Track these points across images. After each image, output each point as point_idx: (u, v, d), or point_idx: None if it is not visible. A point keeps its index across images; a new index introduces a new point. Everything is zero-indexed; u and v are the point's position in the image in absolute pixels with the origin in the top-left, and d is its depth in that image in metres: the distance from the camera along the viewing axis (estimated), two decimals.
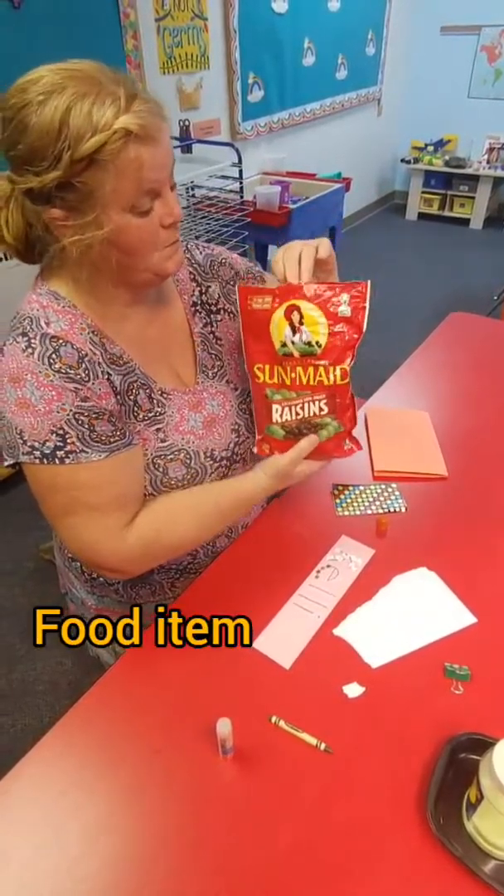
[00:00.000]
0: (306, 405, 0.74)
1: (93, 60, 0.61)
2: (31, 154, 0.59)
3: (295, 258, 0.74)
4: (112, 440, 0.71)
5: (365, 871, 0.57)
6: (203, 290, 0.86)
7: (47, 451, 0.67)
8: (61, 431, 0.67)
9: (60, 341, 0.68)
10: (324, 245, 0.75)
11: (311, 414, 0.74)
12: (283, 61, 3.51)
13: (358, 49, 4.22)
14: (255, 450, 0.82)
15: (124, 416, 0.75)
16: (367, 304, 0.71)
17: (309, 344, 0.71)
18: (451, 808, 0.61)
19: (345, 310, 0.71)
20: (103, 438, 0.70)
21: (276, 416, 0.76)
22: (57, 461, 0.67)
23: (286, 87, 3.61)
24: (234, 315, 0.88)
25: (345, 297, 0.71)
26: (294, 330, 0.71)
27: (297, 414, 0.75)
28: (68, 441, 0.67)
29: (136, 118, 0.58)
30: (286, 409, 0.75)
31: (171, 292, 0.84)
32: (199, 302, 0.86)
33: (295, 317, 0.71)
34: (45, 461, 0.67)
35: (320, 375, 0.72)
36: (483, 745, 0.62)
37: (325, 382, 0.73)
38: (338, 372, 0.72)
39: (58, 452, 0.67)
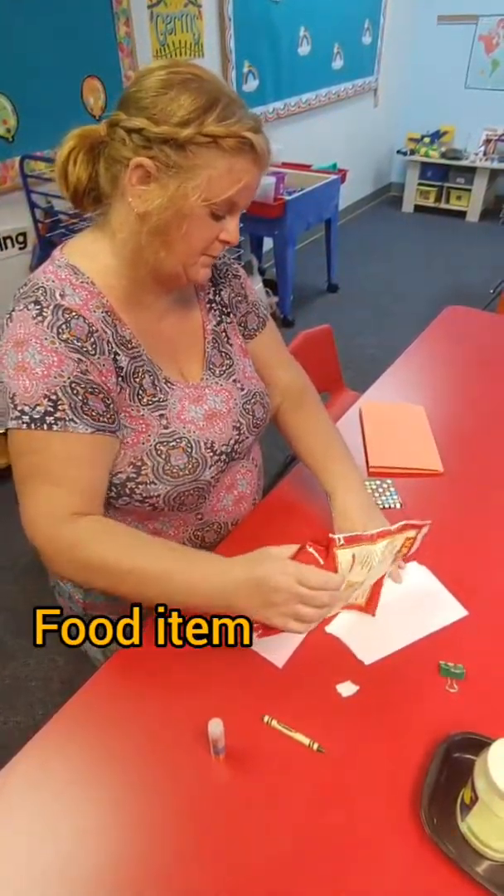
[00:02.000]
0: None
1: None
2: (160, 104, 0.63)
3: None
4: (101, 419, 0.70)
5: (358, 872, 0.57)
6: (217, 291, 0.89)
7: (36, 416, 0.66)
8: (54, 397, 0.67)
9: (73, 313, 0.68)
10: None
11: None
12: (279, 50, 3.47)
13: (354, 38, 4.18)
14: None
15: (128, 398, 0.75)
16: None
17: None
18: (445, 809, 0.60)
19: None
20: (93, 414, 0.70)
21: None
22: (45, 427, 0.67)
23: (281, 77, 3.57)
24: (237, 325, 0.91)
25: None
26: None
27: None
28: (59, 408, 0.67)
29: (261, 139, 0.66)
30: None
31: (190, 295, 0.86)
32: (213, 300, 0.88)
33: None
34: (32, 426, 0.66)
35: None
36: (478, 745, 0.61)
37: None
38: None
39: (47, 418, 0.67)
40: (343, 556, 0.68)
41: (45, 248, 2.39)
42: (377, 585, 0.79)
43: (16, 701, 1.57)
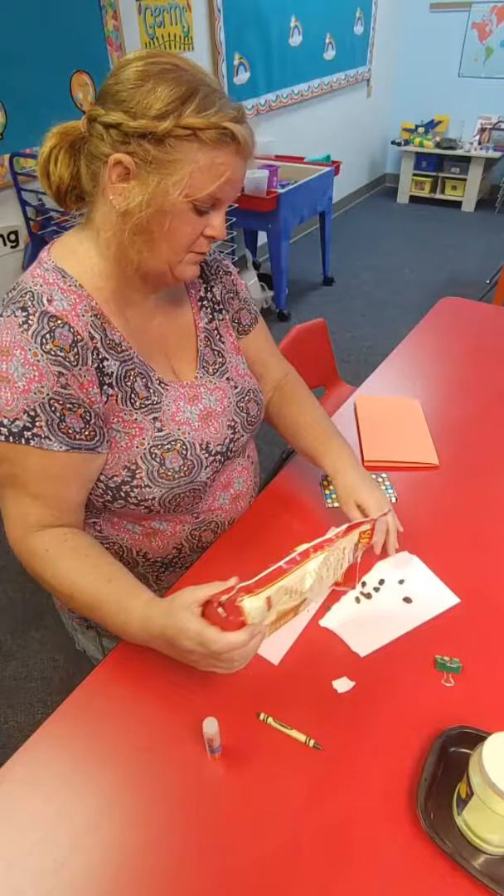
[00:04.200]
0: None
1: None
2: (137, 97, 0.61)
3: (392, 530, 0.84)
4: (77, 438, 0.70)
5: (355, 867, 0.57)
6: (209, 288, 0.88)
7: (15, 430, 0.67)
8: (33, 413, 0.67)
9: (59, 321, 0.67)
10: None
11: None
12: (270, 41, 3.43)
13: (346, 28, 4.14)
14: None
15: (120, 402, 0.74)
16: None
17: None
18: (441, 803, 0.60)
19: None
20: (70, 432, 0.70)
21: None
22: (22, 441, 0.67)
23: (273, 68, 3.54)
24: (231, 322, 0.90)
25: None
26: None
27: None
28: (37, 424, 0.67)
29: (243, 130, 0.64)
30: None
31: (181, 292, 0.84)
32: (205, 297, 0.87)
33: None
34: (10, 440, 0.67)
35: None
36: (474, 739, 0.61)
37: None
38: None
39: (25, 433, 0.67)
40: (252, 604, 0.60)
41: (37, 246, 2.38)
42: (351, 568, 0.76)
43: (15, 701, 1.57)
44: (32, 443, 0.68)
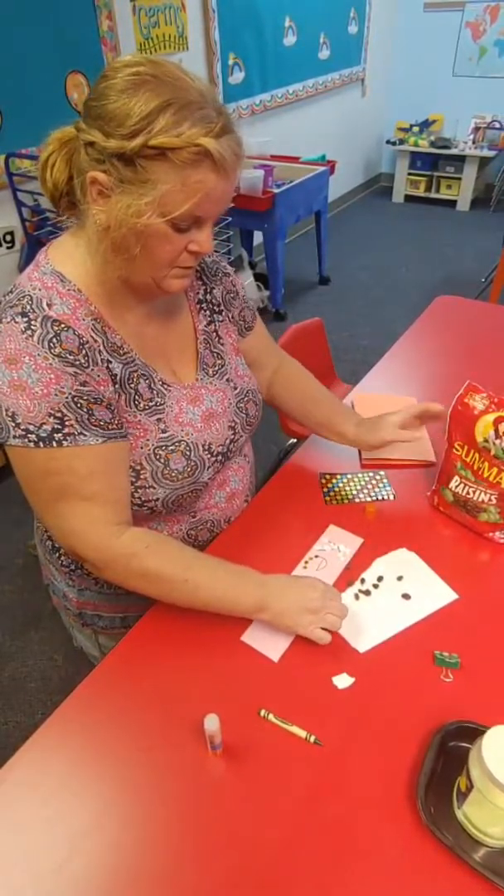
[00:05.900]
0: (478, 492, 0.87)
1: (207, 82, 0.64)
2: (110, 114, 0.60)
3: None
4: (110, 427, 0.71)
5: (356, 862, 0.57)
6: (208, 290, 0.87)
7: (43, 435, 0.66)
8: (59, 414, 0.66)
9: (62, 325, 0.67)
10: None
11: (479, 500, 0.88)
12: (264, 41, 3.44)
13: (340, 28, 4.15)
14: (428, 494, 0.98)
15: (125, 404, 0.74)
16: None
17: (503, 450, 0.83)
18: (441, 797, 0.60)
19: None
20: (101, 424, 0.70)
21: (452, 485, 0.91)
22: (54, 444, 0.66)
23: (268, 68, 3.54)
24: (233, 321, 0.91)
25: None
26: (497, 435, 0.82)
27: (468, 494, 0.89)
28: (66, 423, 0.67)
29: (220, 146, 0.60)
30: (463, 485, 0.89)
31: (178, 296, 0.84)
32: (203, 300, 0.87)
33: (501, 427, 0.82)
34: (40, 444, 0.66)
35: (499, 478, 0.84)
36: (473, 733, 0.62)
37: (501, 485, 0.85)
38: None
39: (55, 435, 0.66)
40: None
41: (32, 247, 2.37)
42: None
43: (15, 701, 1.57)
44: (66, 443, 0.67)
